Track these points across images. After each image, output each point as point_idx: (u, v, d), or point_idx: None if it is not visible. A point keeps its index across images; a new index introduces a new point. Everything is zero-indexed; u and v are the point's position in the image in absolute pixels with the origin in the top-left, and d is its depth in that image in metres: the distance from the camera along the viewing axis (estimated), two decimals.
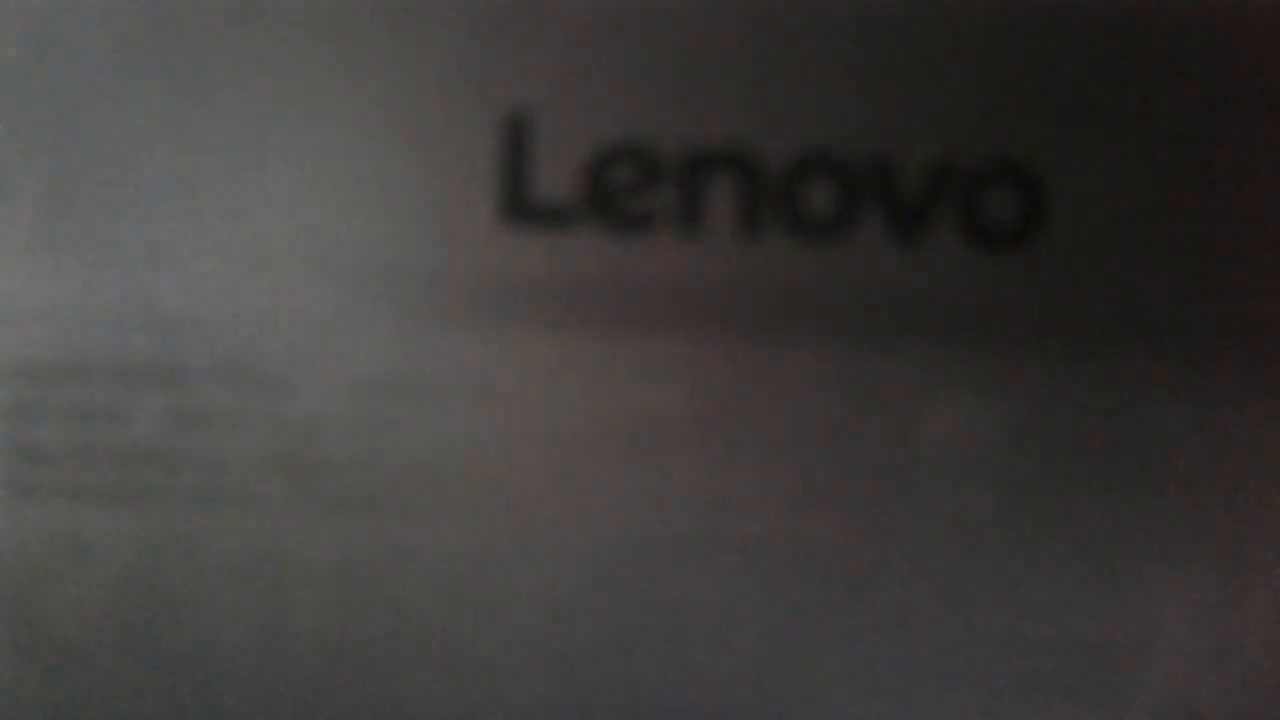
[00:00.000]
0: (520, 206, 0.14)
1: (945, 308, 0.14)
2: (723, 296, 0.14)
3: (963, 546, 0.15)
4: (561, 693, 0.15)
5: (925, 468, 0.14)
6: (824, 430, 0.15)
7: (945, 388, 0.14)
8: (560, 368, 0.14)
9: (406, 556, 0.15)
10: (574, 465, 0.15)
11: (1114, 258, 0.14)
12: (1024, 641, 0.15)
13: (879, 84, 0.14)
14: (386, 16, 0.14)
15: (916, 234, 0.14)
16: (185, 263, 0.14)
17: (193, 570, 0.14)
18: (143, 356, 0.14)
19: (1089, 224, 0.14)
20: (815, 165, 0.14)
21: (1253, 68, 0.14)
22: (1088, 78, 0.14)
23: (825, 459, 0.14)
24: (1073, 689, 0.15)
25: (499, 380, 0.14)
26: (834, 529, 0.15)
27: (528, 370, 0.14)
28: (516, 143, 0.14)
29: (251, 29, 0.14)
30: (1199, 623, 0.15)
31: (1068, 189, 0.14)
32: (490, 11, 0.14)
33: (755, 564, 0.15)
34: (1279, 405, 0.14)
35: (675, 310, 0.14)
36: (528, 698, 0.15)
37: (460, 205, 0.14)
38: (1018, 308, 0.14)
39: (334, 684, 0.15)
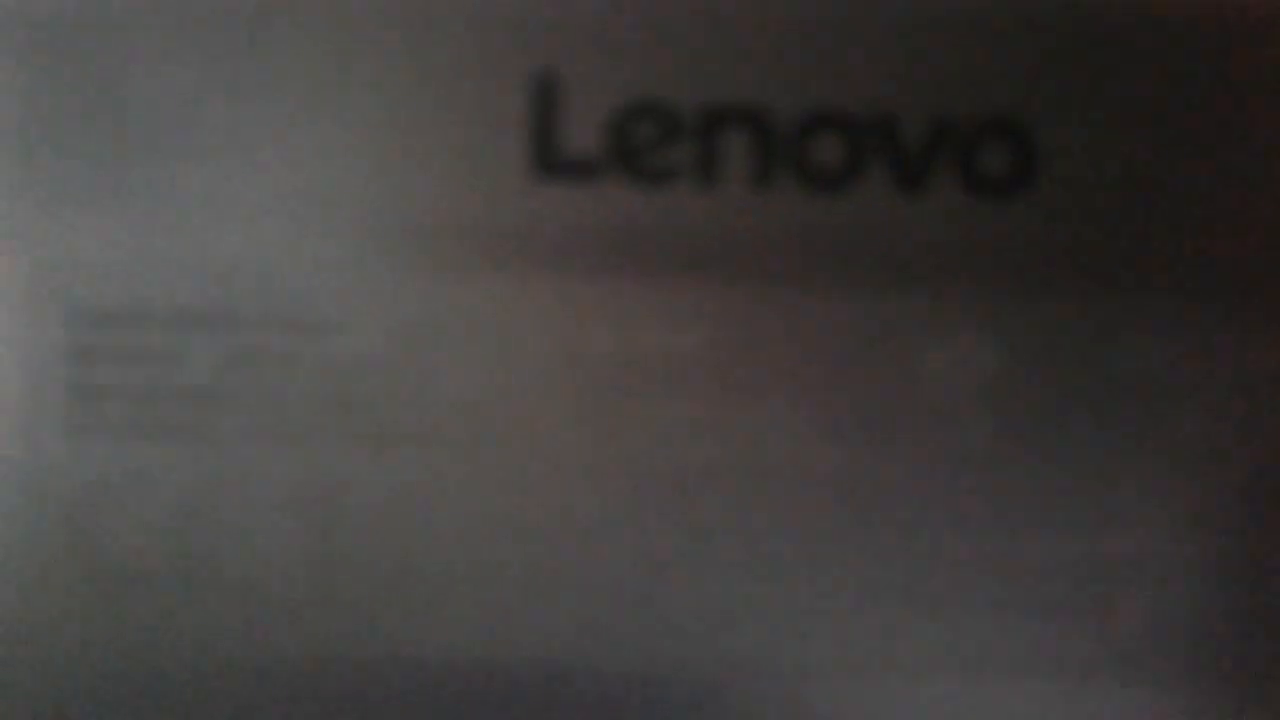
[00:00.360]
0: (549, 161, 0.15)
1: (945, 252, 0.15)
2: (738, 244, 0.15)
3: (963, 473, 0.15)
4: (590, 611, 0.15)
5: (928, 400, 0.15)
6: (833, 367, 0.15)
7: (946, 326, 0.15)
8: (587, 310, 0.15)
9: (446, 487, 0.15)
10: (600, 400, 0.15)
11: (1101, 205, 0.15)
12: (1022, 562, 0.15)
13: (883, 44, 0.15)
14: None
15: (918, 184, 0.15)
16: (239, 214, 0.15)
17: (245, 503, 0.15)
18: (198, 302, 0.15)
19: (1078, 174, 0.15)
20: (823, 121, 0.15)
21: (1236, 33, 0.15)
22: (1077, 38, 0.15)
23: (835, 393, 0.15)
24: (1067, 606, 0.15)
25: (530, 322, 0.15)
26: (842, 458, 0.15)
27: (557, 313, 0.15)
28: (545, 101, 0.15)
29: (300, 7, 0.15)
30: (1185, 543, 0.15)
31: (1058, 142, 0.15)
32: None
33: (771, 491, 0.15)
34: (1256, 337, 0.15)
35: (693, 256, 0.15)
36: (560, 617, 0.15)
37: (493, 160, 0.15)
38: (1013, 252, 0.15)
39: (379, 607, 0.15)
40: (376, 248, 0.15)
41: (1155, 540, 0.15)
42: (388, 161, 0.15)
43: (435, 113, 0.15)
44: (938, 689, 0.16)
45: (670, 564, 0.15)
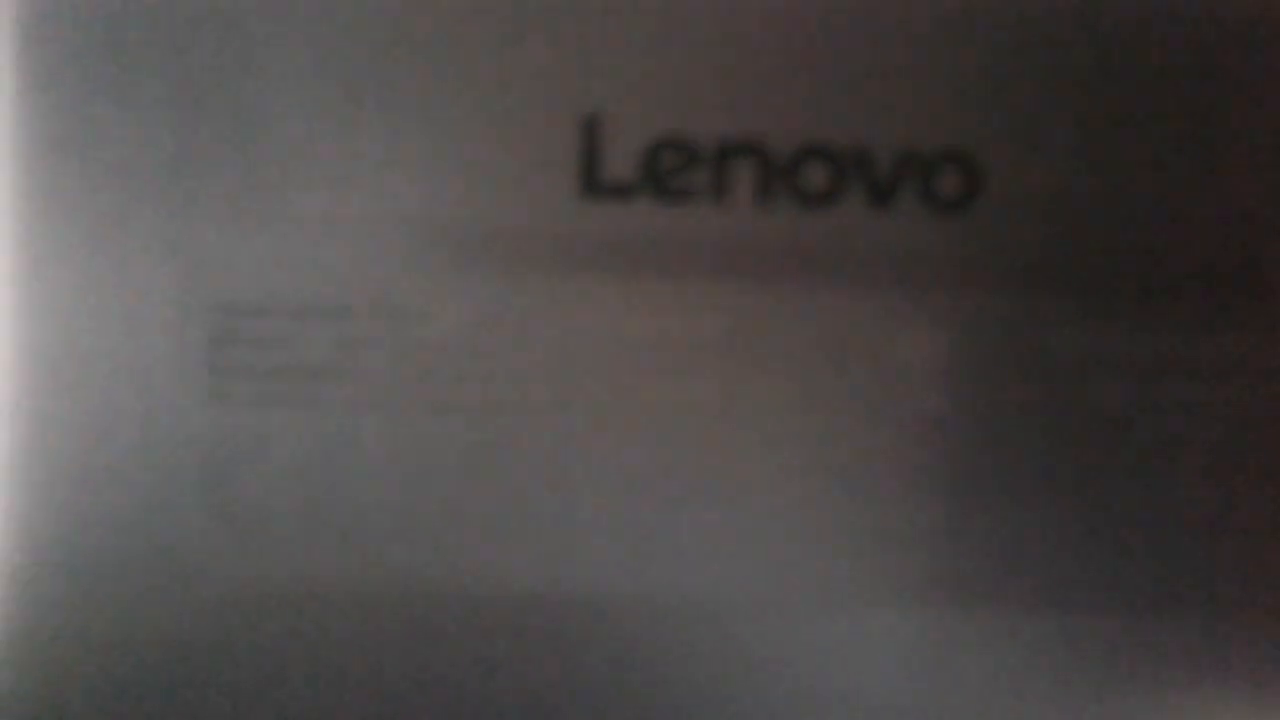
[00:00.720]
0: (593, 184, 0.17)
1: (909, 258, 0.17)
2: (744, 251, 0.17)
3: (922, 437, 0.17)
4: (624, 548, 0.17)
5: (894, 378, 0.17)
6: (820, 351, 0.17)
7: (910, 319, 0.17)
8: (623, 304, 0.17)
9: (511, 447, 0.17)
10: (632, 378, 0.17)
11: (1036, 221, 0.17)
12: (973, 513, 0.17)
13: (859, 89, 0.17)
14: (496, 44, 0.17)
15: (888, 203, 0.17)
16: (347, 225, 0.17)
17: (352, 460, 0.17)
18: (315, 297, 0.17)
19: (1018, 195, 0.17)
20: (812, 151, 0.17)
21: (1154, 75, 0.17)
22: (1019, 86, 0.17)
23: (821, 373, 0.17)
24: (1002, 542, 0.18)
25: (577, 315, 0.17)
26: (825, 425, 0.17)
27: (598, 307, 0.17)
28: (591, 135, 0.17)
29: (399, 60, 0.17)
30: (1100, 504, 0.17)
31: (1002, 169, 0.17)
32: (571, 38, 0.17)
33: (769, 447, 0.17)
34: (1165, 329, 0.17)
35: (709, 262, 0.17)
36: (601, 554, 0.17)
37: (548, 183, 0.17)
38: (965, 259, 0.17)
39: (460, 544, 0.17)
40: (455, 253, 0.17)
41: (1082, 505, 0.17)
42: (464, 184, 0.17)
43: (502, 145, 0.17)
44: (910, 617, 0.18)
45: (692, 508, 0.17)
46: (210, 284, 0.17)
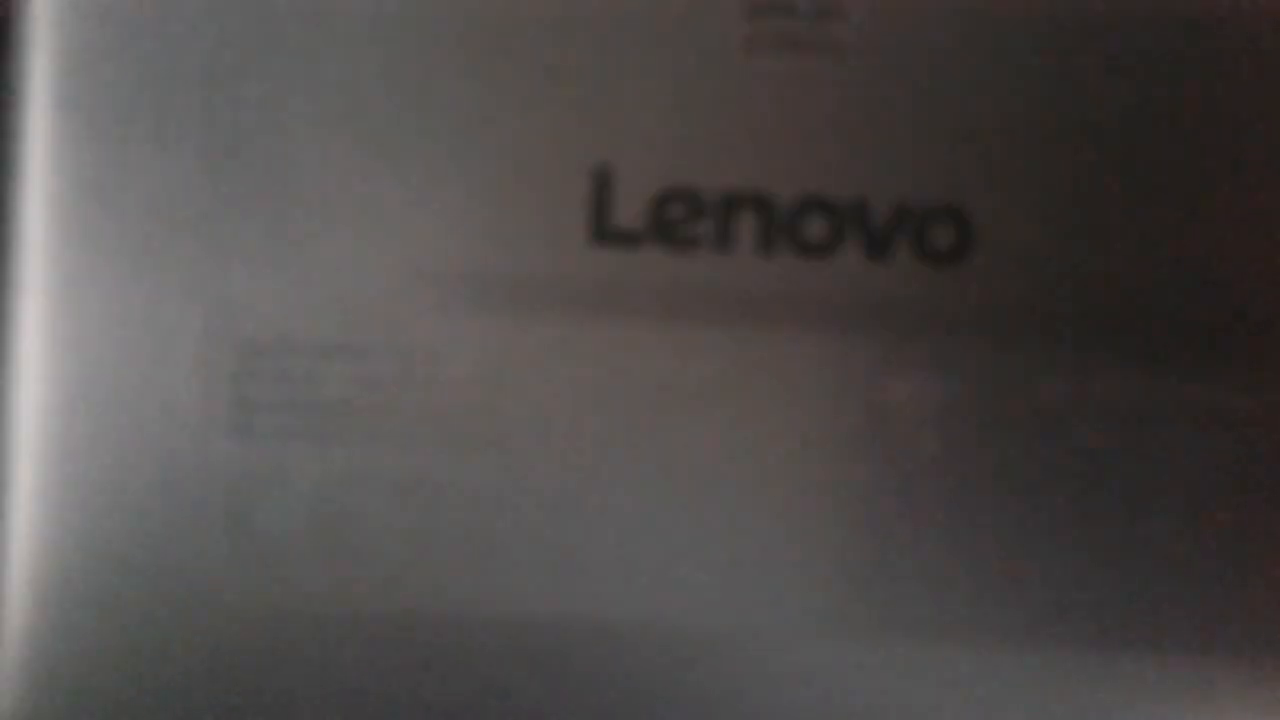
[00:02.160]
0: (603, 233, 0.17)
1: (905, 309, 0.18)
2: (747, 299, 0.18)
3: (917, 482, 0.18)
4: (636, 575, 0.18)
5: (890, 425, 0.18)
6: (820, 397, 0.18)
7: (905, 367, 0.18)
8: (629, 348, 0.18)
9: (517, 481, 0.18)
10: (638, 419, 0.18)
11: (1028, 272, 0.18)
12: (964, 549, 0.18)
13: (858, 145, 0.17)
14: (513, 99, 0.17)
15: (884, 254, 0.18)
16: (366, 267, 0.17)
17: (365, 491, 0.18)
18: (333, 336, 0.17)
19: (1009, 248, 0.18)
20: (813, 203, 0.18)
21: (1146, 127, 0.17)
22: (1010, 144, 0.17)
23: (820, 419, 0.18)
24: (1004, 583, 0.18)
25: (586, 359, 0.18)
26: (824, 469, 0.18)
27: (606, 349, 0.18)
28: (601, 186, 0.17)
29: (420, 113, 0.17)
30: (1088, 547, 0.18)
31: (994, 223, 0.18)
32: (584, 92, 0.17)
33: (764, 489, 0.18)
34: (1155, 377, 0.18)
35: (714, 309, 0.18)
36: (614, 578, 0.18)
37: (559, 232, 0.17)
38: (957, 309, 0.18)
39: (468, 572, 0.18)
40: (469, 296, 0.17)
41: (1067, 540, 0.18)
42: (479, 231, 0.17)
43: (516, 194, 0.17)
44: (910, 650, 0.18)
45: (693, 542, 0.18)
46: (235, 322, 0.17)
